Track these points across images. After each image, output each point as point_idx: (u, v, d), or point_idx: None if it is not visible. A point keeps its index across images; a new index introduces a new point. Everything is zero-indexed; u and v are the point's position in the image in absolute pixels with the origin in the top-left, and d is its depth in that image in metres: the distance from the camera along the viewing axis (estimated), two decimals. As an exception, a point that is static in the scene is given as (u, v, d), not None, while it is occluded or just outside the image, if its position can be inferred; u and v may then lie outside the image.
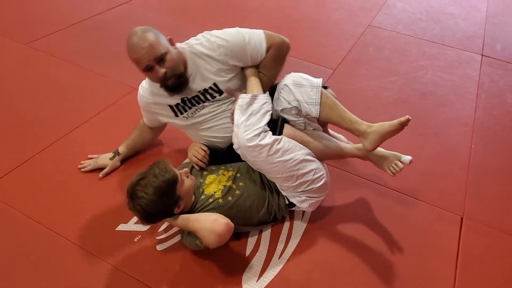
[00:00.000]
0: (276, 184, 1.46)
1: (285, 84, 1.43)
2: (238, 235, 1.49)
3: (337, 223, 1.58)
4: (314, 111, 1.41)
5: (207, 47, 1.45)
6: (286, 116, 1.47)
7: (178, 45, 1.48)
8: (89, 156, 1.74)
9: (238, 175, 1.48)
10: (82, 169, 1.70)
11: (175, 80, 1.41)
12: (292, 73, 1.47)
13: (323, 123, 1.64)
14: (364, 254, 1.48)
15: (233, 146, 1.40)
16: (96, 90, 2.17)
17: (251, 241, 1.49)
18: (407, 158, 1.48)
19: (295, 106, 1.42)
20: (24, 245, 1.43)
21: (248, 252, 1.45)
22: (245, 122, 1.34)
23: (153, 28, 1.40)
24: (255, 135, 1.32)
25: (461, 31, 3.01)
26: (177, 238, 1.48)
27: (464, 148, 1.98)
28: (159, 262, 1.41)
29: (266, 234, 1.52)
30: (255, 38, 1.45)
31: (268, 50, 1.47)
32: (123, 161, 1.75)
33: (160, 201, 1.24)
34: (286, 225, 1.56)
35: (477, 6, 3.40)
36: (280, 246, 1.48)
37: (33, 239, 1.45)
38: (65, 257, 1.40)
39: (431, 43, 2.83)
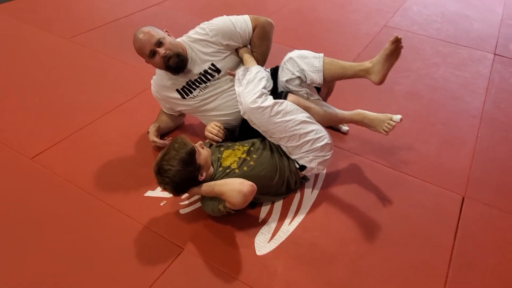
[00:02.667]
0: (284, 148, 1.61)
1: (290, 57, 1.63)
2: (253, 204, 1.64)
3: (345, 198, 1.71)
4: (318, 78, 1.59)
5: (200, 33, 1.73)
6: (290, 86, 1.66)
7: (178, 38, 1.76)
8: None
9: (252, 148, 1.64)
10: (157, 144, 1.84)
11: (175, 59, 1.64)
12: (295, 50, 1.67)
13: (323, 96, 1.82)
14: (368, 225, 1.60)
15: (240, 113, 1.58)
16: (129, 79, 2.41)
17: (264, 209, 1.64)
18: (397, 116, 1.63)
19: (298, 76, 1.61)
20: (67, 206, 1.63)
21: (261, 219, 1.60)
22: (244, 90, 1.55)
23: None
24: (256, 97, 1.51)
25: (475, 32, 3.10)
26: (198, 205, 1.64)
27: (471, 136, 2.08)
28: (181, 223, 1.57)
29: (278, 205, 1.67)
30: (240, 19, 1.74)
31: (254, 29, 1.74)
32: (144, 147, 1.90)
33: (184, 170, 1.40)
34: (297, 197, 1.70)
35: (494, 9, 3.47)
36: (290, 215, 1.63)
37: (74, 201, 1.65)
38: (100, 216, 1.59)
39: (445, 43, 2.93)
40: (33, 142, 1.91)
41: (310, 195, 1.72)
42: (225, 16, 1.77)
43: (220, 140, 1.70)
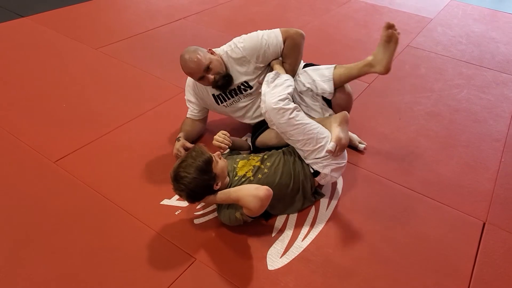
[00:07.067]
0: (299, 152, 1.65)
1: (303, 70, 1.72)
2: (267, 216, 1.64)
3: (360, 217, 1.69)
4: (328, 86, 1.67)
5: (237, 53, 1.78)
6: (305, 98, 1.73)
7: (217, 51, 1.81)
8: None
9: (265, 157, 1.67)
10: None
11: (223, 81, 1.76)
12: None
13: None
14: (383, 245, 1.57)
15: (261, 111, 1.63)
16: (153, 89, 2.47)
17: (278, 223, 1.64)
18: (331, 144, 1.56)
19: (309, 88, 1.67)
20: (84, 209, 1.66)
21: (274, 233, 1.60)
22: (271, 91, 1.60)
23: (198, 46, 1.77)
24: (280, 100, 1.56)
25: (501, 54, 3.04)
26: (212, 215, 1.66)
27: (493, 161, 2.02)
28: (195, 233, 1.58)
29: (292, 219, 1.66)
30: (271, 35, 1.78)
31: (285, 41, 1.77)
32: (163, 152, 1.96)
33: (200, 178, 1.43)
34: (311, 213, 1.69)
35: (521, 32, 3.41)
36: (304, 230, 1.61)
37: (92, 205, 1.68)
38: (115, 220, 1.62)
39: (469, 64, 2.89)
40: (57, 146, 1.98)
41: (325, 212, 1.70)
42: (258, 32, 1.80)
43: (227, 146, 1.72)
